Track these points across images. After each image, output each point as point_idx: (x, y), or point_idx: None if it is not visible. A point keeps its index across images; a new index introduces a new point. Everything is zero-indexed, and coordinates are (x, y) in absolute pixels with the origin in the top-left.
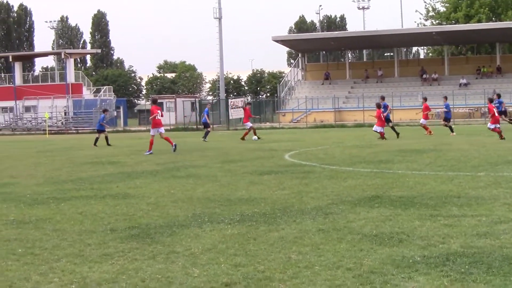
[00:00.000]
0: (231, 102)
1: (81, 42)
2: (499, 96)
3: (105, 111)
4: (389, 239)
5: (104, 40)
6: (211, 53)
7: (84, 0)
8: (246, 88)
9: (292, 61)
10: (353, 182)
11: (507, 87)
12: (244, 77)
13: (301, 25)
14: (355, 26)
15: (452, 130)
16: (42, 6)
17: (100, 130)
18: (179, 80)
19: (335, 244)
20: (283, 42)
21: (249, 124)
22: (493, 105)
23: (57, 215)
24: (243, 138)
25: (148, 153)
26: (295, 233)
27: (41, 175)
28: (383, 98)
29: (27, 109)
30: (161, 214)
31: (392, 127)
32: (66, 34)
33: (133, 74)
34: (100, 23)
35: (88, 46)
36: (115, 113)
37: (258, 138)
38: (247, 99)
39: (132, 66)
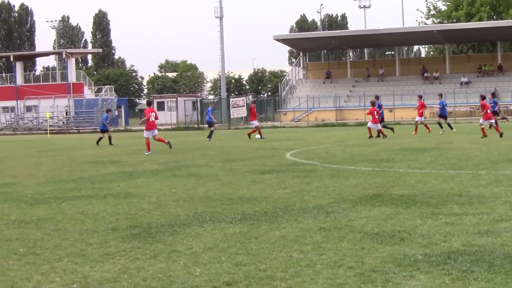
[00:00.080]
0: (233, 101)
1: (82, 41)
2: (493, 95)
3: (108, 110)
4: (390, 237)
5: (105, 39)
6: (212, 52)
7: None
8: (247, 87)
9: (293, 60)
10: (354, 181)
11: (508, 86)
12: (245, 76)
13: (302, 24)
14: (356, 25)
15: (451, 127)
16: (43, 5)
17: (104, 130)
18: (180, 79)
19: (336, 243)
20: (284, 41)
21: (255, 123)
22: (487, 103)
23: (58, 215)
24: (249, 135)
25: (148, 153)
26: (296, 232)
27: (42, 175)
28: (377, 97)
29: (28, 108)
30: (162, 213)
31: (384, 126)
32: (67, 33)
33: (134, 74)
34: (101, 23)
35: (89, 45)
36: (116, 113)
37: (262, 138)
38: (249, 98)
39: (134, 66)
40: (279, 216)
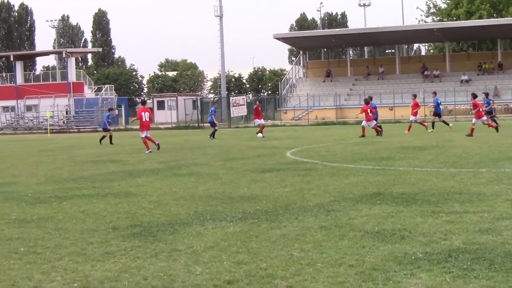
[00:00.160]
0: (233, 100)
1: (82, 41)
2: (487, 95)
3: (110, 109)
4: (391, 236)
5: (105, 38)
6: (212, 51)
7: None
8: (247, 86)
9: (293, 58)
10: (355, 179)
11: (509, 83)
12: (245, 75)
13: (302, 22)
14: (356, 23)
15: (447, 123)
16: (43, 5)
17: (106, 129)
18: (180, 78)
19: (337, 241)
20: (284, 39)
21: (260, 121)
22: (479, 102)
23: (59, 214)
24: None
25: (148, 151)
26: (297, 230)
27: (43, 174)
28: (371, 98)
29: (29, 108)
30: (163, 212)
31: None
32: (67, 33)
33: (134, 73)
34: (101, 22)
35: (89, 45)
36: (116, 112)
37: (263, 137)
38: (249, 96)
39: (134, 65)
40: (279, 215)
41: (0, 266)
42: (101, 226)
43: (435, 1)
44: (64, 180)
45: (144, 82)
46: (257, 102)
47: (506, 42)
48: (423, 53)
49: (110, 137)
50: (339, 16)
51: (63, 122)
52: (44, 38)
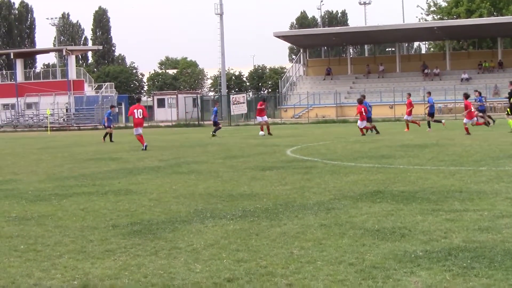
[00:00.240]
0: (233, 98)
1: (83, 38)
2: (480, 93)
3: (112, 107)
4: (391, 234)
5: (105, 36)
6: (212, 49)
7: None
8: (247, 84)
9: (293, 56)
10: (355, 177)
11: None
12: (245, 73)
13: (303, 20)
14: (356, 21)
15: (439, 121)
16: (43, 3)
17: (108, 126)
18: (180, 76)
19: (337, 239)
20: (285, 37)
21: (265, 118)
22: (470, 102)
23: (59, 212)
24: (270, 133)
25: (144, 147)
26: (297, 228)
27: (43, 172)
28: (364, 96)
29: (29, 106)
30: (163, 210)
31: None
32: (68, 31)
33: (134, 71)
34: (101, 20)
35: (90, 42)
36: (117, 110)
37: (264, 135)
38: (249, 94)
39: (134, 63)
40: (279, 213)
41: (0, 264)
42: (101, 224)
43: (436, 0)
44: (65, 177)
45: (144, 80)
46: (263, 101)
47: (506, 41)
48: (423, 51)
49: (110, 134)
50: (339, 14)
51: (63, 120)
52: (45, 36)
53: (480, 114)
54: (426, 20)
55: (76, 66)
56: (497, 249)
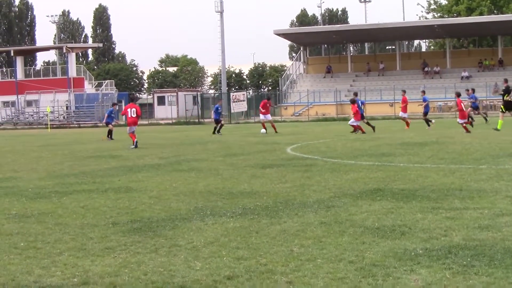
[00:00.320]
0: (233, 95)
1: (83, 36)
2: (473, 91)
3: (114, 104)
4: (391, 232)
5: (105, 34)
6: (212, 47)
7: None
8: (248, 81)
9: (294, 54)
10: (355, 175)
11: (509, 80)
12: (246, 71)
13: (303, 18)
14: (356, 19)
15: (428, 124)
16: (43, 0)
17: (108, 122)
18: (181, 74)
19: (337, 237)
20: (285, 35)
21: (268, 117)
22: (461, 100)
23: (59, 209)
24: (276, 131)
25: (134, 145)
26: (297, 226)
27: (43, 169)
28: (356, 94)
29: (29, 103)
30: (163, 208)
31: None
32: (68, 28)
33: (134, 68)
34: (101, 17)
35: (90, 40)
36: (117, 107)
37: (266, 132)
38: (249, 92)
39: (134, 60)
40: (279, 211)
41: (0, 261)
42: (101, 221)
43: None
44: (65, 175)
45: (145, 77)
46: (268, 99)
47: (507, 39)
48: (423, 49)
49: (110, 132)
50: (339, 12)
51: (63, 117)
52: (45, 33)
53: (472, 112)
54: (426, 18)
55: (76, 64)
56: (497, 247)
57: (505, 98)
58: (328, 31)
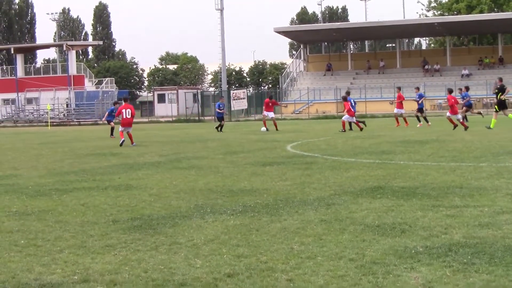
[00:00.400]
0: (233, 93)
1: (83, 34)
2: (467, 88)
3: (115, 103)
4: (391, 229)
5: (105, 32)
6: (213, 45)
7: None
8: (248, 79)
9: (294, 52)
10: (355, 173)
11: (509, 78)
12: (246, 69)
13: (303, 16)
14: (357, 17)
15: (419, 121)
16: None
17: (109, 120)
18: (181, 71)
19: (337, 235)
20: (285, 33)
21: (271, 115)
22: (453, 96)
23: (59, 207)
24: (277, 129)
25: (121, 141)
26: (297, 224)
27: (44, 167)
28: (348, 93)
29: (29, 101)
30: (163, 205)
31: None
32: (68, 26)
33: (135, 66)
34: (101, 15)
35: (90, 38)
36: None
37: (267, 130)
38: (249, 90)
39: (134, 58)
40: (280, 208)
41: (1, 259)
42: (101, 219)
43: None
44: (65, 172)
45: (145, 75)
46: (271, 98)
47: (507, 37)
48: (423, 47)
49: (112, 129)
50: (340, 10)
51: (64, 115)
52: (45, 31)
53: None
54: (426, 16)
55: (77, 61)
56: (498, 245)
57: (499, 97)
58: (328, 29)
